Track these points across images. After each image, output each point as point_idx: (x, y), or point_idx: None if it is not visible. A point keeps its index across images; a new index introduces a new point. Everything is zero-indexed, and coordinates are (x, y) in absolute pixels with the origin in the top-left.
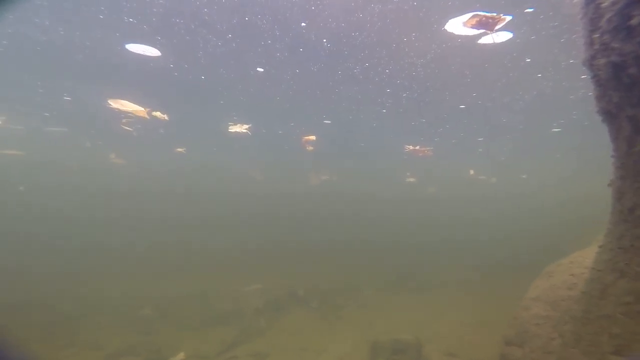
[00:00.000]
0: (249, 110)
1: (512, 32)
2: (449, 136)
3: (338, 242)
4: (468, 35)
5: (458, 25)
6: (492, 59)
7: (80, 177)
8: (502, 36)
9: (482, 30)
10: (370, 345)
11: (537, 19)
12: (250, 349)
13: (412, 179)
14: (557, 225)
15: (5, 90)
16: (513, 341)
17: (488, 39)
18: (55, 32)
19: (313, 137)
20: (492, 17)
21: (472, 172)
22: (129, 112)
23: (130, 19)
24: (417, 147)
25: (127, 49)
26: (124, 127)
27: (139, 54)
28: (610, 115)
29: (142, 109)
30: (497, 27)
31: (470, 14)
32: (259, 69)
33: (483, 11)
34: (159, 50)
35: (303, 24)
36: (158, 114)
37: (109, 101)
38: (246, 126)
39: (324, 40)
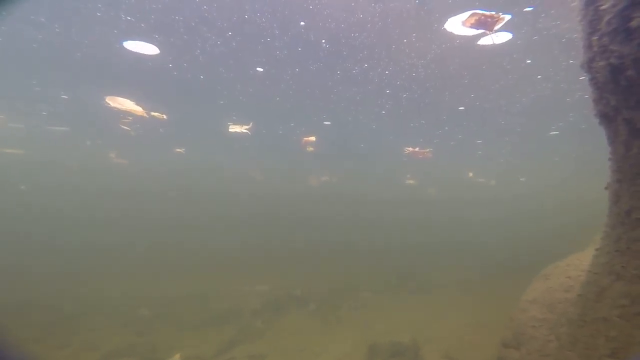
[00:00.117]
0: (249, 111)
1: (511, 33)
2: (448, 138)
3: (337, 243)
4: (468, 36)
5: (457, 25)
6: (492, 60)
7: (79, 177)
8: (501, 37)
9: (481, 30)
10: (368, 348)
11: (537, 19)
12: (249, 349)
13: (411, 181)
14: (555, 228)
15: (2, 88)
16: (510, 343)
17: (488, 40)
18: (51, 29)
19: (313, 138)
20: (490, 16)
21: (471, 174)
22: (128, 111)
23: (128, 17)
24: (417, 149)
25: (124, 47)
26: (122, 126)
27: (136, 52)
28: (607, 118)
29: (141, 108)
30: (497, 27)
31: (469, 13)
32: (258, 68)
33: (482, 10)
34: (157, 48)
35: (302, 23)
36: (157, 113)
37: (107, 100)
38: (246, 126)
39: (323, 41)
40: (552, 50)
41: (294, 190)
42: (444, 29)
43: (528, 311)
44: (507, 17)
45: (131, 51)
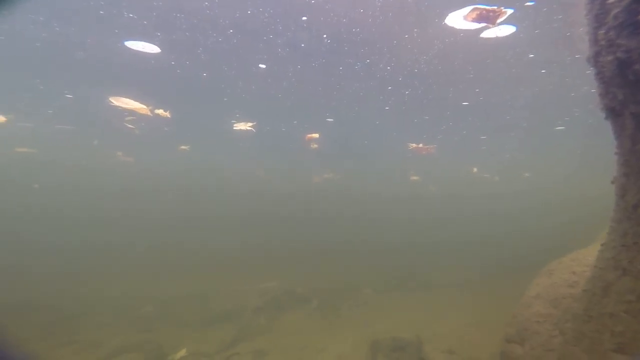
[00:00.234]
0: (252, 108)
1: (515, 26)
2: (452, 134)
3: (338, 241)
4: (470, 30)
5: (458, 19)
6: (496, 54)
7: (80, 176)
8: (504, 30)
9: (483, 24)
10: (370, 344)
11: (540, 12)
12: (251, 347)
13: (415, 177)
14: (559, 225)
15: (7, 87)
16: (514, 339)
17: (490, 33)
18: (51, 28)
19: (316, 135)
20: (492, 10)
21: (475, 170)
22: (131, 110)
23: (130, 15)
24: (420, 145)
25: (126, 46)
26: (127, 124)
27: (138, 51)
28: (614, 112)
29: (145, 106)
30: (499, 20)
31: (471, 7)
32: (260, 65)
33: (483, 4)
34: (158, 47)
35: (304, 18)
36: (160, 111)
37: (110, 99)
38: (250, 124)
39: (324, 36)
40: (556, 44)
41: (297, 188)
42: (445, 23)
43: (532, 307)
44: (510, 11)
45: (133, 50)
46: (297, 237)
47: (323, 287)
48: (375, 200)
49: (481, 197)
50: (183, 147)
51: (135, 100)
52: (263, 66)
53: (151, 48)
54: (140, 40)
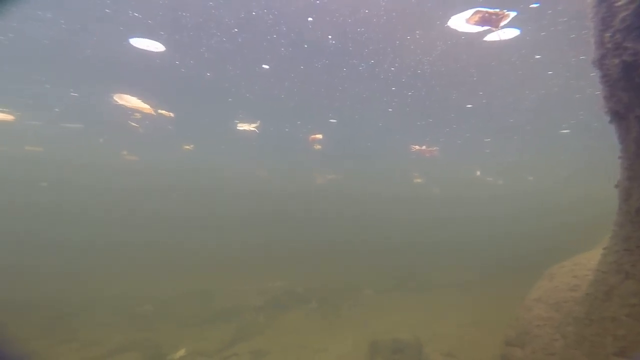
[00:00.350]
0: (255, 108)
1: (519, 29)
2: (455, 136)
3: (339, 241)
4: (473, 33)
5: (461, 22)
6: (499, 57)
7: (86, 175)
8: (508, 33)
9: (486, 27)
10: (370, 345)
11: (544, 15)
12: (250, 346)
13: (418, 180)
14: (562, 227)
15: (14, 87)
16: (514, 342)
17: (494, 36)
18: (58, 25)
19: (320, 136)
20: (495, 13)
21: (478, 173)
22: (135, 109)
23: (135, 13)
24: (424, 147)
25: (131, 44)
26: (131, 123)
27: (142, 49)
28: (618, 115)
29: (148, 105)
30: (502, 23)
31: (473, 10)
32: (264, 65)
33: (486, 7)
34: (163, 45)
35: (310, 19)
36: (164, 111)
37: (114, 97)
38: (254, 124)
39: (329, 37)
40: (561, 47)
41: (300, 188)
42: (447, 26)
43: (533, 310)
44: (513, 13)
45: (137, 48)
46: (299, 237)
47: (323, 287)
48: (377, 201)
49: (483, 199)
50: (187, 146)
51: (139, 98)
52: (266, 66)
53: (156, 46)
54: (145, 38)
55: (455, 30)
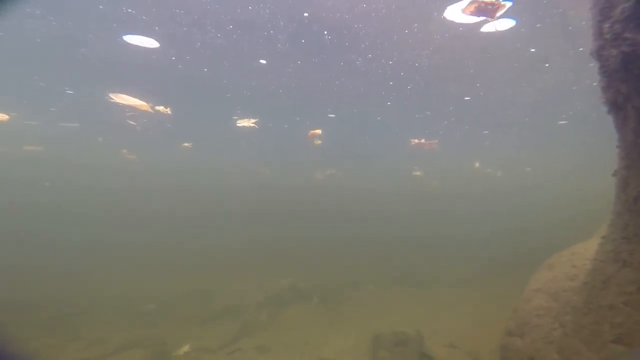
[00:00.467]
0: (254, 104)
1: (515, 20)
2: (454, 129)
3: (340, 237)
4: (470, 24)
5: (457, 13)
6: (497, 49)
7: (85, 174)
8: (504, 24)
9: (482, 18)
10: (373, 338)
11: (540, 4)
12: (253, 342)
13: (417, 173)
14: (561, 219)
15: (7, 86)
16: (514, 332)
17: (490, 27)
18: (48, 22)
19: (319, 131)
20: (491, 3)
21: (477, 164)
22: (132, 106)
23: (129, 9)
24: (423, 140)
25: (125, 41)
26: (128, 121)
27: (137, 46)
28: (616, 105)
29: (144, 102)
30: (498, 13)
31: (469, 0)
32: (261, 61)
33: None
34: (157, 41)
35: (306, 14)
36: (161, 108)
37: (110, 95)
38: (253, 120)
39: (325, 32)
40: (557, 38)
41: (300, 184)
42: (444, 17)
43: (532, 300)
44: (508, 3)
45: (132, 45)
46: (300, 233)
47: (325, 283)
48: (377, 196)
49: (483, 193)
50: (186, 144)
51: (136, 96)
52: (264, 62)
53: (150, 42)
54: (139, 34)
55: (452, 22)
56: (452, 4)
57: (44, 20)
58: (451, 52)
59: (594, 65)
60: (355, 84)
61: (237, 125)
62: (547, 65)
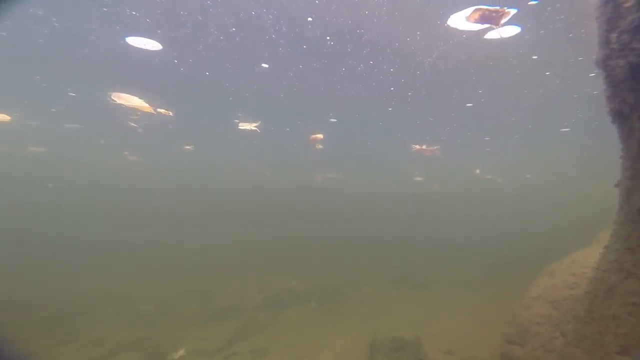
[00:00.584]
0: (255, 108)
1: (520, 27)
2: (455, 135)
3: (340, 239)
4: (474, 31)
5: (461, 21)
6: (500, 56)
7: (87, 175)
8: (509, 31)
9: (487, 25)
10: (370, 343)
11: (544, 12)
12: (251, 345)
13: (419, 179)
14: (560, 225)
15: (9, 86)
16: (514, 340)
17: (494, 34)
18: (51, 23)
19: (320, 135)
20: (495, 11)
21: (477, 171)
22: (134, 108)
23: (133, 12)
24: (424, 147)
25: (127, 43)
26: (131, 123)
27: (139, 48)
28: (621, 115)
29: (147, 104)
30: (503, 20)
31: (473, 8)
32: (263, 64)
33: (486, 5)
34: (160, 44)
35: (309, 19)
36: (163, 110)
37: (112, 96)
38: (255, 124)
39: (327, 38)
40: (560, 45)
41: (300, 187)
42: (447, 25)
43: (532, 308)
44: (513, 11)
45: (134, 47)
46: (300, 235)
47: (323, 285)
48: (378, 200)
49: (483, 198)
50: (187, 147)
51: (138, 97)
52: (266, 65)
53: (153, 45)
54: (142, 36)
55: (456, 29)
56: (456, 12)
57: (47, 21)
58: (454, 59)
59: (596, 74)
60: (356, 89)
61: (239, 128)
62: (547, 73)
